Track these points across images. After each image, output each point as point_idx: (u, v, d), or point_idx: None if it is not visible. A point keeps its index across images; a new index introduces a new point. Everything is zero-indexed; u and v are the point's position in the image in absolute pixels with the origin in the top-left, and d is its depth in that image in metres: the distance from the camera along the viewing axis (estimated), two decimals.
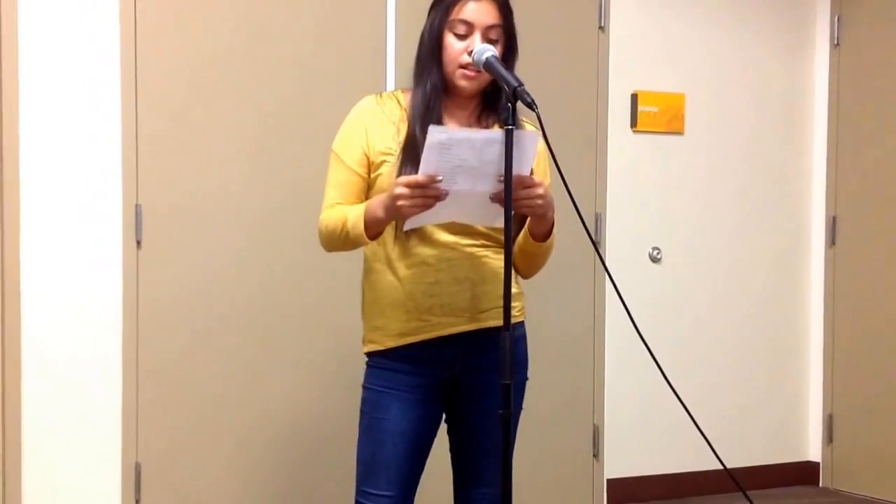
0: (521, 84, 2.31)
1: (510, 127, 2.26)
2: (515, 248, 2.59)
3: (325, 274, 4.20)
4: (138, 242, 3.99)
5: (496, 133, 2.31)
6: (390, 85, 4.33)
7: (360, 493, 2.62)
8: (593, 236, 4.58)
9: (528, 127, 2.61)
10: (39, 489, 3.88)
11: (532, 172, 2.39)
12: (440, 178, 2.27)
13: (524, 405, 2.71)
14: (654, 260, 5.04)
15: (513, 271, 2.59)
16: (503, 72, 2.38)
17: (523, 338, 2.70)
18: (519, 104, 2.31)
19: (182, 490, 4.10)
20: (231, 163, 4.15)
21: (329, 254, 2.71)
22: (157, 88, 4.01)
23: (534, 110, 2.29)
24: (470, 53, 2.48)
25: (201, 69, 4.09)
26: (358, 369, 2.72)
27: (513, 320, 2.46)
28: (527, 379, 2.73)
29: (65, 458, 3.92)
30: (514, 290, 2.56)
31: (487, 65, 2.42)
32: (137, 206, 3.98)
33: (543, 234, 2.54)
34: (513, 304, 2.49)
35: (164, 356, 4.04)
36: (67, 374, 3.91)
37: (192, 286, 4.09)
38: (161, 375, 4.04)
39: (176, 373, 4.07)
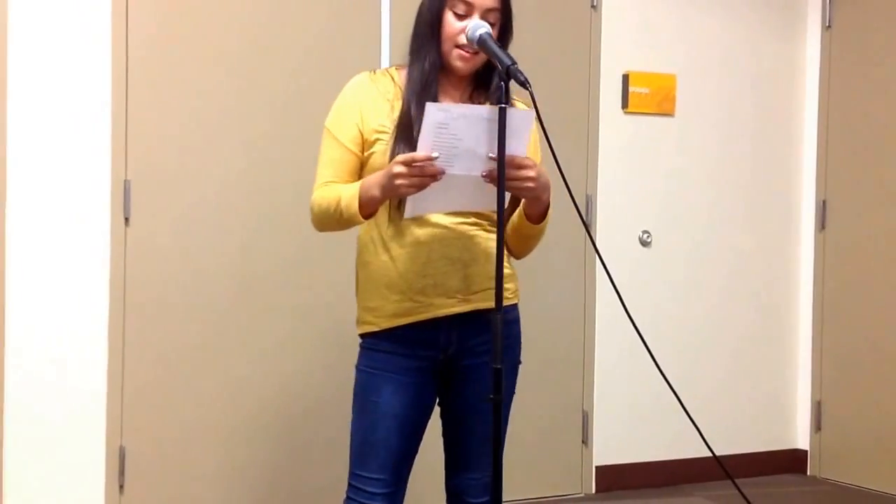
0: (514, 62, 2.31)
1: (503, 105, 2.26)
2: (509, 227, 2.57)
3: (323, 255, 4.10)
4: (126, 219, 3.89)
5: (490, 109, 2.30)
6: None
7: (353, 476, 2.59)
8: (584, 219, 4.52)
9: (521, 106, 2.61)
10: (21, 473, 3.76)
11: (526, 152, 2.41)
12: (437, 154, 2.26)
13: (515, 389, 2.69)
14: (645, 244, 4.97)
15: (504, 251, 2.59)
16: (497, 49, 2.38)
17: (516, 321, 2.68)
18: (512, 83, 2.30)
19: (168, 475, 3.99)
20: (225, 137, 4.05)
21: (327, 235, 2.65)
22: (148, 58, 3.92)
23: (527, 89, 2.30)
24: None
25: (194, 42, 3.99)
26: (355, 353, 2.64)
27: (505, 302, 2.47)
28: (520, 363, 2.71)
29: (47, 442, 3.80)
30: (506, 270, 2.54)
31: (481, 41, 2.41)
32: (126, 182, 3.87)
33: (538, 215, 2.53)
34: (505, 285, 2.50)
35: (151, 337, 3.94)
36: (51, 354, 3.80)
37: (183, 265, 3.99)
38: (148, 357, 3.94)
39: (164, 354, 3.97)
